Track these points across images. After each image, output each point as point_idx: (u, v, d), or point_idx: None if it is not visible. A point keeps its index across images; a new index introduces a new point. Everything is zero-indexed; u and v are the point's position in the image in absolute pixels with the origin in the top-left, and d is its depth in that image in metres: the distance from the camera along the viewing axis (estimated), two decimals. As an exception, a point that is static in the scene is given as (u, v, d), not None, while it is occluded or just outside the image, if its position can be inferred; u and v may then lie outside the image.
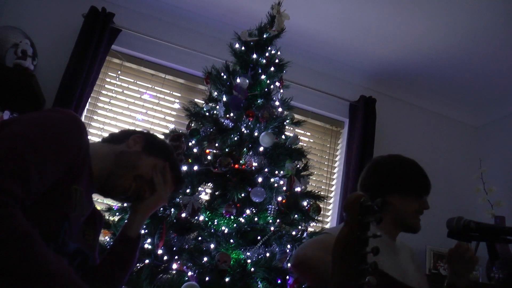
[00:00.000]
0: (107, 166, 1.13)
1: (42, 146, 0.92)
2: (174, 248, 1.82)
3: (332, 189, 3.29)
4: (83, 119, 2.77)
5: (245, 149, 2.13)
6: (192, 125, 2.23)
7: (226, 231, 1.92)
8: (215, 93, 2.32)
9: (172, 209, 1.90)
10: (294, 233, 1.96)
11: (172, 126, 2.73)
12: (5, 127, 0.93)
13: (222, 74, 2.29)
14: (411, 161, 1.52)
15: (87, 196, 1.09)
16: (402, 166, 1.49)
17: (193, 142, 2.11)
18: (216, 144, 2.08)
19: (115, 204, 1.97)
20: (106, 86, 2.94)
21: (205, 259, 1.79)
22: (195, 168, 1.99)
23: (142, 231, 1.80)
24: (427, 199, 1.49)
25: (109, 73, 2.96)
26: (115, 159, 1.15)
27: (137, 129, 1.33)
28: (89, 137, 1.10)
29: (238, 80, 2.19)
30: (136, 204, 1.24)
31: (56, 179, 0.94)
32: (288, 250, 1.90)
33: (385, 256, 1.36)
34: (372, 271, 0.72)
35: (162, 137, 2.10)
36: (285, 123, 2.27)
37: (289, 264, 1.86)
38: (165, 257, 1.80)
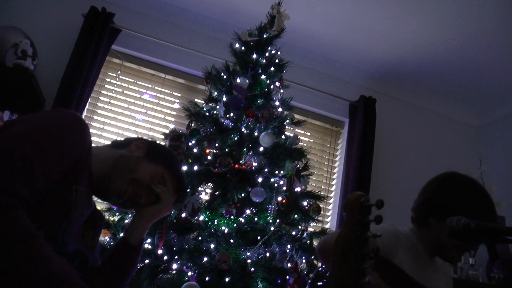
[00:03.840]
0: (105, 168, 1.12)
1: (46, 146, 0.92)
2: (174, 248, 1.82)
3: (332, 189, 3.29)
4: (83, 119, 2.76)
5: (245, 149, 2.13)
6: (192, 125, 2.23)
7: (226, 231, 1.92)
8: (215, 93, 2.32)
9: (172, 209, 1.90)
10: (294, 233, 1.96)
11: (172, 126, 2.73)
12: (9, 127, 0.93)
13: (222, 74, 2.29)
14: (481, 194, 1.33)
15: (87, 196, 1.09)
16: (471, 200, 1.31)
17: (193, 142, 2.11)
18: (216, 144, 2.08)
19: (115, 204, 1.97)
20: (106, 86, 2.93)
21: (205, 259, 1.79)
22: (195, 168, 1.99)
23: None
24: None
25: (109, 73, 2.96)
26: (114, 162, 1.14)
27: (142, 137, 1.32)
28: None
29: (238, 80, 2.19)
30: (141, 210, 1.22)
31: (59, 179, 0.94)
32: (288, 250, 1.90)
33: (413, 261, 1.34)
34: (374, 255, 0.72)
35: (162, 137, 2.11)
36: (285, 123, 2.27)
37: (289, 264, 1.87)
38: (165, 257, 1.80)
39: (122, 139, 1.29)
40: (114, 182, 1.12)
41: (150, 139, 1.29)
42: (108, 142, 1.30)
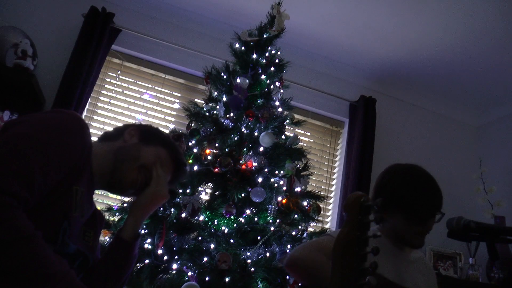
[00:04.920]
0: (107, 164, 1.13)
1: (46, 147, 0.92)
2: (174, 248, 1.82)
3: (332, 189, 3.29)
4: (83, 119, 2.77)
5: (245, 149, 2.13)
6: (192, 125, 2.23)
7: (226, 231, 1.92)
8: (215, 93, 2.32)
9: (172, 209, 1.90)
10: (294, 233, 1.96)
11: (172, 126, 2.73)
12: (9, 128, 0.93)
13: (222, 74, 2.29)
14: (424, 180, 1.41)
15: (88, 196, 1.09)
16: (412, 186, 1.38)
17: (193, 142, 2.11)
18: (216, 144, 2.08)
19: (115, 204, 1.97)
20: (106, 86, 2.93)
21: (205, 259, 1.79)
22: (195, 168, 1.99)
23: (142, 231, 1.80)
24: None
25: (109, 73, 2.96)
26: (115, 155, 1.15)
27: (128, 123, 1.32)
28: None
29: (238, 80, 2.19)
30: (132, 206, 1.22)
31: (59, 180, 0.94)
32: (288, 250, 1.90)
33: (384, 259, 1.35)
34: (372, 271, 0.72)
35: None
36: (285, 123, 2.27)
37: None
38: (165, 257, 1.80)
39: (110, 130, 1.28)
40: (124, 174, 1.13)
41: (138, 123, 1.30)
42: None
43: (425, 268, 1.51)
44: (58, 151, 0.94)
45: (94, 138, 1.17)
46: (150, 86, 3.04)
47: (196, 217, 1.90)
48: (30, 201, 0.87)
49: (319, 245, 1.32)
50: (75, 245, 1.02)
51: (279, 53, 2.42)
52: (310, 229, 2.13)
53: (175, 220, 1.88)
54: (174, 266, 1.78)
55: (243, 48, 2.34)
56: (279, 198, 2.01)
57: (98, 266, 1.17)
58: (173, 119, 3.02)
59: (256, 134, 2.15)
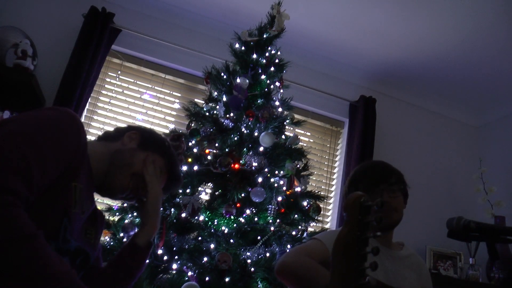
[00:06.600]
0: (103, 165, 1.13)
1: (41, 143, 0.91)
2: (174, 248, 1.82)
3: (332, 189, 3.29)
4: (83, 119, 2.77)
5: (245, 149, 2.13)
6: (192, 125, 2.23)
7: (226, 231, 1.92)
8: (215, 93, 2.33)
9: (172, 209, 1.90)
10: (294, 233, 1.96)
11: (172, 126, 2.73)
12: (3, 125, 0.93)
13: (222, 74, 2.29)
14: (375, 162, 1.57)
15: (88, 193, 1.08)
16: (358, 171, 1.56)
17: (193, 142, 2.11)
18: (216, 144, 2.08)
19: (115, 204, 1.97)
20: (106, 86, 2.93)
21: (205, 259, 1.79)
22: (195, 168, 1.99)
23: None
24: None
25: (109, 73, 2.96)
26: (111, 158, 1.14)
27: (134, 124, 1.31)
28: (88, 137, 1.10)
29: (238, 80, 2.19)
30: (141, 212, 1.22)
31: (56, 176, 0.94)
32: (288, 250, 1.90)
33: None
34: (373, 271, 0.72)
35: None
36: (285, 123, 2.27)
37: None
38: (165, 257, 1.80)
39: (112, 129, 1.27)
40: (116, 180, 1.13)
41: (141, 127, 1.28)
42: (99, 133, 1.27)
43: (416, 264, 1.52)
44: (53, 148, 0.93)
45: (93, 137, 1.16)
46: (150, 86, 3.04)
47: (196, 217, 1.90)
48: (30, 199, 0.87)
49: (307, 250, 1.35)
50: (77, 242, 1.02)
51: (279, 53, 2.42)
52: (310, 229, 2.13)
53: (175, 220, 1.88)
54: (174, 266, 1.78)
55: (243, 48, 2.34)
56: (279, 198, 2.01)
57: (107, 268, 1.17)
58: (173, 119, 3.02)
59: (256, 134, 2.15)
